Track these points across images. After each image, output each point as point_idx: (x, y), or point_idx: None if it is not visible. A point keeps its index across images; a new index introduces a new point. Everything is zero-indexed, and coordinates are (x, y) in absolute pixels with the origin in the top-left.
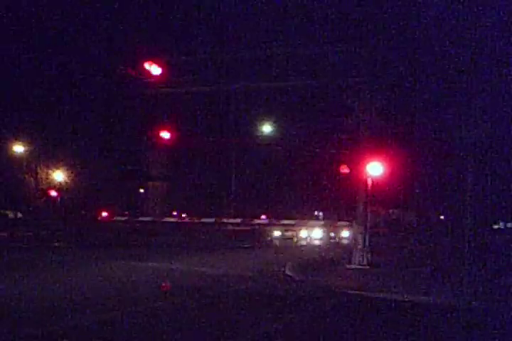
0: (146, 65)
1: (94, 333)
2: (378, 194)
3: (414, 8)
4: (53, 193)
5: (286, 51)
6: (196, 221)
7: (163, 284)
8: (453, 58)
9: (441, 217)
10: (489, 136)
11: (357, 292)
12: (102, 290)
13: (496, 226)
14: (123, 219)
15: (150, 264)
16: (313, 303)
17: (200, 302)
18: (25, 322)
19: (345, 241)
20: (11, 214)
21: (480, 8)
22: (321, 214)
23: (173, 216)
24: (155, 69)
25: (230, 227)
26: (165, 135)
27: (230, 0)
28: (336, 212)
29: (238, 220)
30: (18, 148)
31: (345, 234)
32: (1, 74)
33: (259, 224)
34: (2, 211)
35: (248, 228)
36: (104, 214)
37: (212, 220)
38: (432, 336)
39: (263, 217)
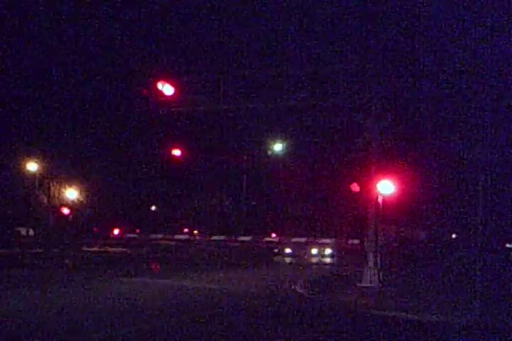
0: (159, 85)
1: None
2: (389, 212)
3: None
4: (66, 211)
5: (296, 70)
6: (207, 238)
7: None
8: (461, 71)
9: (453, 236)
10: (500, 154)
11: (367, 310)
12: (111, 307)
13: (508, 245)
14: (134, 236)
15: (162, 281)
16: (323, 321)
17: (209, 319)
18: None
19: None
20: (23, 232)
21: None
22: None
23: (185, 233)
24: (167, 89)
25: (241, 245)
26: (176, 153)
27: (242, 21)
28: (347, 230)
29: (249, 238)
30: (32, 166)
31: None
32: (16, 93)
33: (269, 241)
34: (15, 228)
35: (259, 245)
36: (116, 231)
37: (222, 238)
38: None
39: (273, 235)
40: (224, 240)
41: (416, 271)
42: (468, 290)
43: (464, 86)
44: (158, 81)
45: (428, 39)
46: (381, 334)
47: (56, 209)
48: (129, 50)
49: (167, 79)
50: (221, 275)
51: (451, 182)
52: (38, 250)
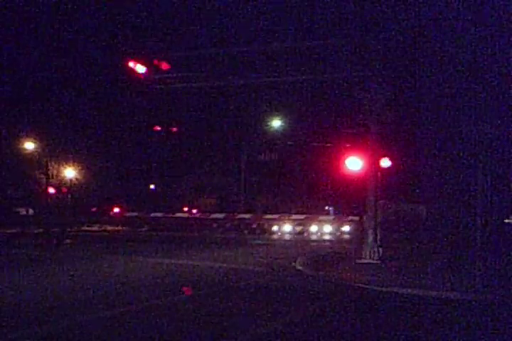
0: (155, 61)
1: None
2: (388, 188)
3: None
4: (64, 190)
5: (292, 45)
6: (207, 216)
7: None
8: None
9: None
10: (500, 130)
11: (367, 286)
12: (112, 287)
13: (507, 221)
14: (134, 214)
15: (165, 261)
16: (323, 298)
17: (208, 297)
18: (26, 321)
19: (346, 236)
20: (22, 211)
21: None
22: (331, 209)
23: (184, 211)
24: (163, 65)
25: (240, 222)
26: (173, 129)
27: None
28: (347, 206)
29: (248, 215)
30: (29, 145)
31: (345, 228)
32: (14, 74)
33: (269, 218)
34: (14, 208)
35: (258, 223)
36: (116, 210)
37: (222, 216)
38: (444, 331)
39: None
40: (223, 218)
41: (416, 247)
42: (470, 265)
43: (468, 58)
44: (151, 57)
45: (431, 15)
46: (382, 310)
47: (55, 188)
48: (120, 26)
49: (159, 56)
50: (221, 253)
51: (452, 158)
52: (39, 230)
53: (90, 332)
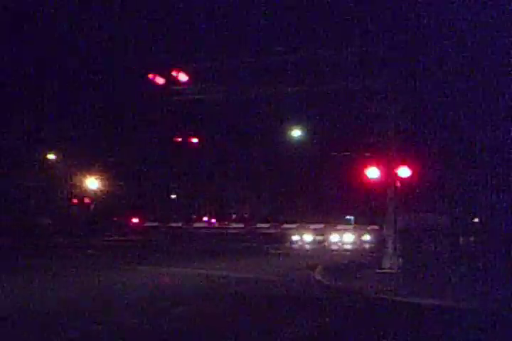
0: (174, 73)
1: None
2: (409, 197)
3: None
4: (86, 200)
5: (312, 56)
6: (226, 226)
7: None
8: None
9: (475, 220)
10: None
11: (386, 296)
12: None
13: None
14: (154, 225)
15: (181, 270)
16: (342, 308)
17: (227, 307)
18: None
19: (367, 246)
20: (45, 222)
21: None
22: (352, 218)
23: (203, 221)
24: (182, 77)
25: (260, 232)
26: (193, 140)
27: (257, 9)
28: (368, 216)
29: (267, 225)
30: (53, 156)
31: (366, 238)
32: (37, 85)
33: (289, 228)
34: (36, 218)
35: (278, 232)
36: (135, 220)
37: (241, 225)
38: None
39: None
40: (242, 228)
41: (437, 257)
42: (492, 277)
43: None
44: (172, 68)
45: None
46: (400, 320)
47: (78, 198)
48: (143, 36)
49: (182, 66)
50: (240, 263)
51: (473, 166)
52: (60, 240)
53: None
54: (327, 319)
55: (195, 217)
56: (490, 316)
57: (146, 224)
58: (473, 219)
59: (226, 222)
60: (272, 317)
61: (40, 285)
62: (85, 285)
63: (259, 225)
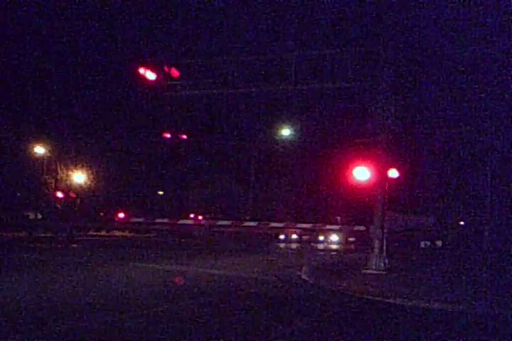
0: (164, 69)
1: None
2: (396, 198)
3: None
4: (72, 194)
5: (303, 54)
6: (213, 223)
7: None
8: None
9: (461, 223)
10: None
11: (372, 297)
12: (114, 292)
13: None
14: (140, 220)
15: (165, 267)
16: (324, 309)
17: (211, 306)
18: (29, 322)
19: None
20: (31, 215)
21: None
22: (338, 218)
23: (190, 218)
24: (173, 72)
25: (246, 230)
26: (183, 136)
27: (253, 8)
28: (354, 216)
29: (254, 223)
30: (39, 150)
31: (352, 238)
32: (25, 80)
33: (275, 227)
34: (23, 212)
35: (264, 231)
36: (121, 215)
37: (228, 223)
38: None
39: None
40: (229, 225)
41: (423, 258)
42: (476, 278)
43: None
44: (162, 64)
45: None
46: (385, 321)
47: (63, 192)
48: (131, 33)
49: (171, 63)
50: (226, 261)
51: (460, 169)
52: (47, 234)
53: (89, 336)
54: (310, 318)
55: (181, 213)
56: (472, 318)
57: (132, 220)
58: (458, 222)
59: (213, 220)
60: (255, 316)
61: (22, 281)
62: (74, 282)
63: (246, 223)
